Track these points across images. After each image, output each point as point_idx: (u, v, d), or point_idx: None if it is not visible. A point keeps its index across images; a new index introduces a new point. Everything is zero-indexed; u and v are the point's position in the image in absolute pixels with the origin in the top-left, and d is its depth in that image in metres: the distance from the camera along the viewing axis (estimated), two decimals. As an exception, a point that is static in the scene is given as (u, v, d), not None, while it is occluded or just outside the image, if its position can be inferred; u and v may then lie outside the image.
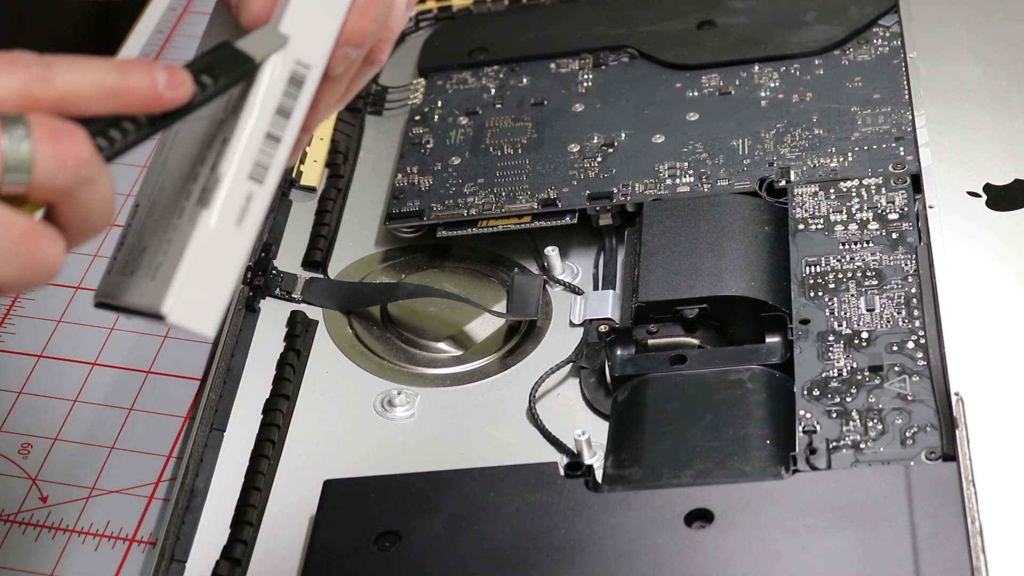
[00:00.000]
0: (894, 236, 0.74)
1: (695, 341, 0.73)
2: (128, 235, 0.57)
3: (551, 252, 0.80)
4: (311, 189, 0.86)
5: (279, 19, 0.55)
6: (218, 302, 0.53)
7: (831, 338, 0.70)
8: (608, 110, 0.85)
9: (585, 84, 0.87)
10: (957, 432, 0.63)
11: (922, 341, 0.69)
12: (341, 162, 0.87)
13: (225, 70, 0.53)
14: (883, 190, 0.76)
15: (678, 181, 0.80)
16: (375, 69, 0.62)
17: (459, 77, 0.90)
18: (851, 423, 0.66)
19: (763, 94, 0.84)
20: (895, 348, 0.69)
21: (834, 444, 0.65)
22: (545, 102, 0.87)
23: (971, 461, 0.62)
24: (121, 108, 0.51)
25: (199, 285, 0.52)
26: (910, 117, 0.80)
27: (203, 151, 0.55)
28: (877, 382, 0.67)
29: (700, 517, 0.63)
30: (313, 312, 0.79)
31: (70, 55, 0.51)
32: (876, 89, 0.82)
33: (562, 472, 0.66)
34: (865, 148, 0.79)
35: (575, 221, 0.79)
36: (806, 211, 0.76)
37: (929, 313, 0.69)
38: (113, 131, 0.51)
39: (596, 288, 0.79)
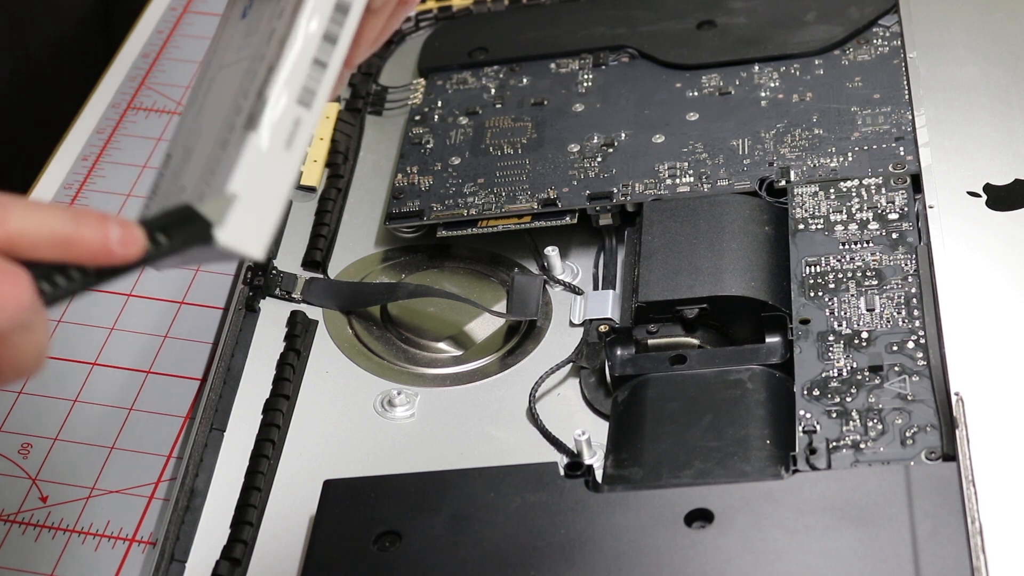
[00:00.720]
0: (894, 236, 0.74)
1: (695, 341, 0.73)
2: (161, 182, 0.57)
3: (551, 252, 0.80)
4: (311, 189, 0.86)
5: None
6: (267, 225, 0.53)
7: (831, 338, 0.70)
8: (608, 110, 0.85)
9: (585, 84, 0.87)
10: (957, 432, 0.63)
11: (922, 341, 0.69)
12: (341, 162, 0.87)
13: (182, 232, 0.53)
14: (883, 190, 0.76)
15: (678, 181, 0.80)
16: (409, 9, 0.63)
17: (459, 77, 0.90)
18: (851, 423, 0.66)
19: (763, 94, 0.84)
20: (895, 348, 0.69)
21: (834, 444, 0.65)
22: (545, 102, 0.87)
23: (971, 461, 0.62)
24: (70, 257, 0.51)
25: (250, 207, 0.52)
26: (910, 117, 0.80)
27: (245, 84, 0.56)
28: (877, 382, 0.67)
29: (700, 517, 0.63)
30: (313, 312, 0.79)
31: (26, 199, 0.51)
32: (876, 89, 0.82)
33: (562, 472, 0.66)
34: (865, 148, 0.79)
35: (575, 221, 0.79)
36: (806, 211, 0.76)
37: (929, 313, 0.70)
38: (59, 277, 0.51)
39: (596, 288, 0.79)
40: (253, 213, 0.53)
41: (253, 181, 0.53)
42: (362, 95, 0.91)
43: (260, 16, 0.59)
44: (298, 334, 0.78)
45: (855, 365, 0.68)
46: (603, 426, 0.72)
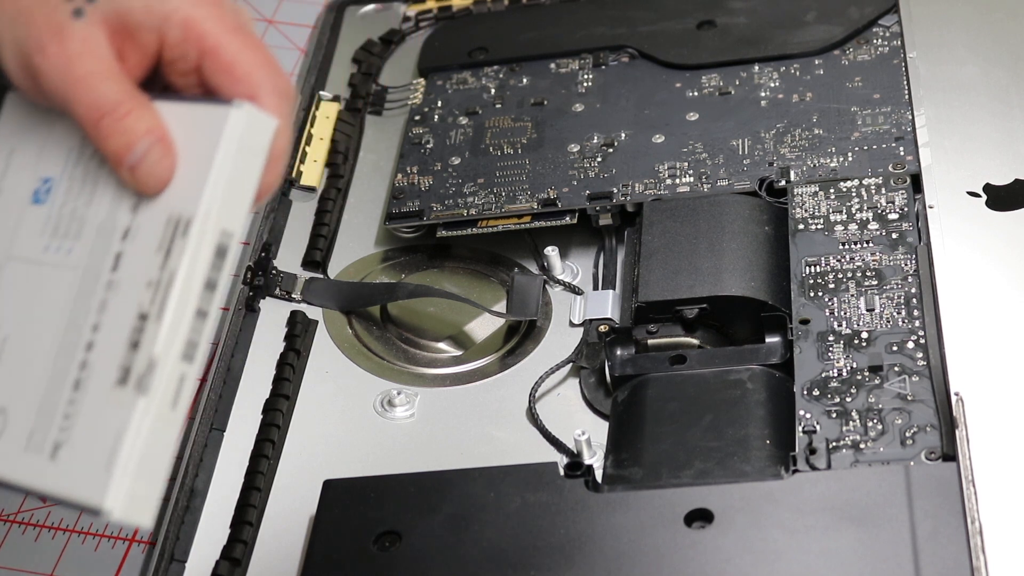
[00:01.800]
0: (894, 236, 0.74)
1: (695, 341, 0.73)
2: None
3: (551, 252, 0.80)
4: (311, 189, 0.86)
5: (198, 192, 0.52)
6: (156, 491, 0.51)
7: (831, 338, 0.70)
8: (608, 110, 0.85)
9: (585, 84, 0.87)
10: (957, 432, 0.63)
11: (922, 341, 0.69)
12: (341, 162, 0.87)
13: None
14: (883, 190, 0.76)
15: (678, 181, 0.80)
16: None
17: (459, 77, 0.90)
18: (851, 423, 0.66)
19: (763, 94, 0.84)
20: (895, 348, 0.69)
21: (834, 444, 0.65)
22: (545, 102, 0.87)
23: (971, 461, 0.62)
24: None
25: (140, 477, 0.50)
26: (910, 117, 0.80)
27: (88, 315, 0.52)
28: (877, 382, 0.67)
29: (700, 517, 0.63)
30: (313, 312, 0.79)
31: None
32: (876, 89, 0.82)
33: (562, 472, 0.66)
34: (865, 148, 0.79)
35: (575, 221, 0.79)
36: (806, 211, 0.76)
37: (929, 313, 0.69)
38: None
39: (596, 288, 0.79)
40: (143, 482, 0.50)
41: (143, 449, 0.50)
42: (362, 95, 0.91)
43: (71, 214, 0.55)
44: (298, 334, 0.78)
45: (855, 365, 0.68)
46: (603, 426, 0.72)
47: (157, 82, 0.55)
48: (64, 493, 0.51)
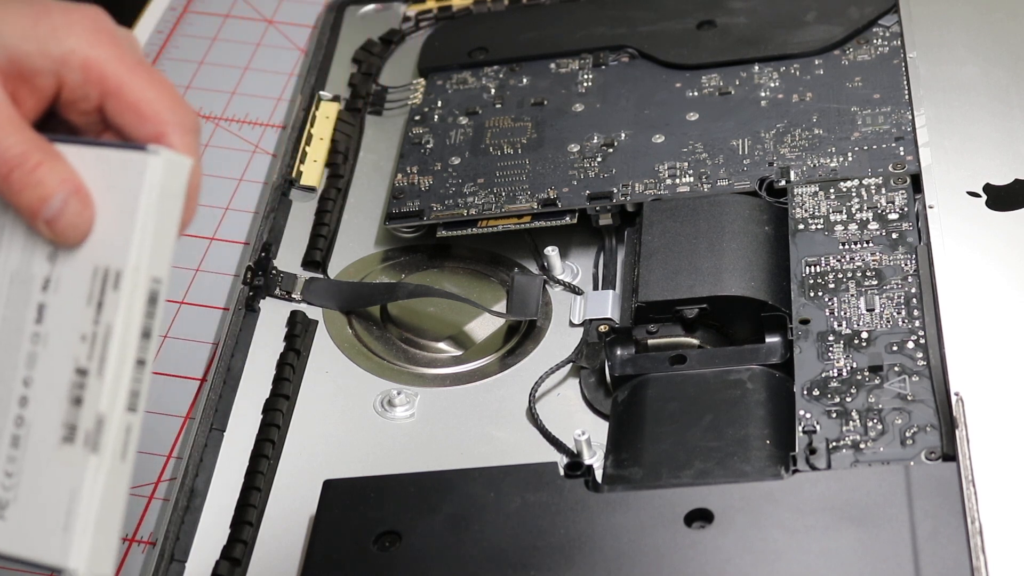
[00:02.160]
0: (894, 236, 0.74)
1: (695, 341, 0.73)
2: None
3: (551, 252, 0.80)
4: (311, 189, 0.86)
5: (125, 243, 0.51)
6: (114, 542, 0.51)
7: (831, 338, 0.70)
8: (608, 110, 0.85)
9: (585, 84, 0.87)
10: (957, 432, 0.63)
11: (922, 341, 0.69)
12: (341, 162, 0.87)
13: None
14: (883, 190, 0.76)
15: (678, 181, 0.80)
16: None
17: (459, 77, 0.90)
18: (851, 423, 0.66)
19: (763, 94, 0.84)
20: (895, 348, 0.69)
21: (834, 444, 0.65)
22: (545, 102, 0.87)
23: (971, 461, 0.62)
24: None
25: (99, 532, 0.50)
26: (910, 117, 0.80)
27: (16, 368, 0.52)
28: (877, 382, 0.67)
29: (700, 517, 0.63)
30: (313, 312, 0.79)
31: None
32: (876, 89, 0.82)
33: (562, 472, 0.66)
34: (865, 148, 0.79)
35: (575, 221, 0.79)
36: (806, 211, 0.76)
37: (929, 313, 0.69)
38: None
39: (596, 288, 0.79)
40: (102, 535, 0.50)
41: (99, 505, 0.50)
42: (362, 95, 0.91)
43: None
44: (298, 334, 0.78)
45: (855, 365, 0.68)
46: (603, 426, 0.72)
47: (52, 120, 0.54)
48: (19, 553, 0.51)
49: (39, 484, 0.51)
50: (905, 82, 0.82)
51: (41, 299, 0.52)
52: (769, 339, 0.72)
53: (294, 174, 0.85)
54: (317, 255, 0.82)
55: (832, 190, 0.77)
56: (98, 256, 0.52)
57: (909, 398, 0.66)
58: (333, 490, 0.68)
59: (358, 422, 0.74)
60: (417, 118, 0.88)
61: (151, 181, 0.51)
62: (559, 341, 0.77)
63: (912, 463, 0.64)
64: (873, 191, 0.76)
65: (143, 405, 0.52)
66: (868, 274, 0.72)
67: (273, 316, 0.79)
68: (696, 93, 0.85)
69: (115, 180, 0.52)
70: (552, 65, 0.89)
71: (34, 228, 0.52)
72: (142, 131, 0.52)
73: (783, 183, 0.78)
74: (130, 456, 0.51)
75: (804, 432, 0.66)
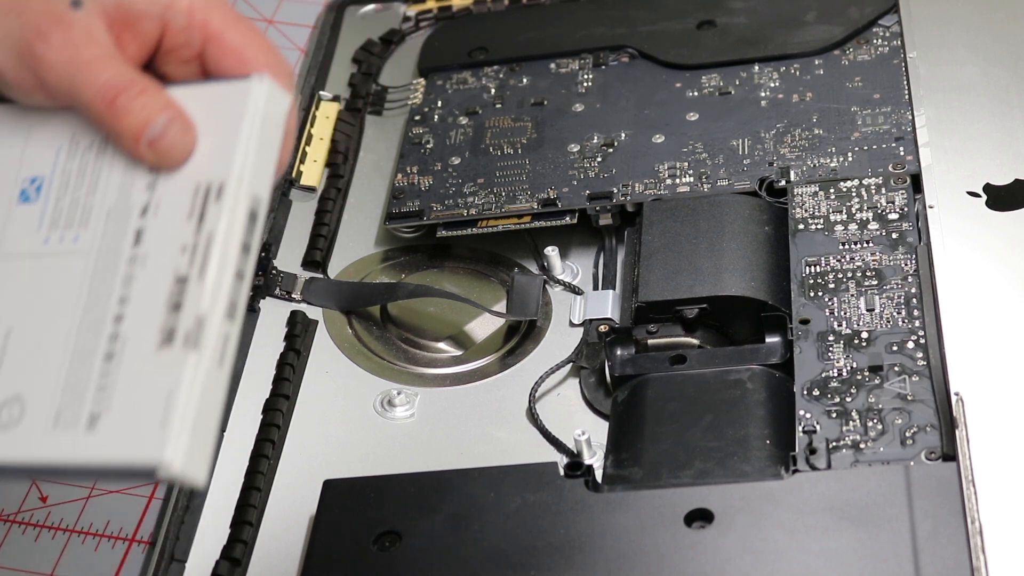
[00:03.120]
0: (894, 236, 0.74)
1: (695, 341, 0.73)
2: None
3: (551, 252, 0.80)
4: (311, 189, 0.86)
5: (228, 158, 0.53)
6: (209, 450, 0.50)
7: (831, 338, 0.70)
8: (608, 110, 0.85)
9: (585, 84, 0.87)
10: (957, 432, 0.63)
11: (922, 341, 0.69)
12: (341, 162, 0.87)
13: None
14: (883, 190, 0.76)
15: (678, 181, 0.80)
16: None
17: (459, 77, 0.90)
18: (851, 423, 0.66)
19: (763, 94, 0.84)
20: (895, 348, 0.69)
21: (834, 444, 0.65)
22: (545, 102, 0.87)
23: (971, 461, 0.62)
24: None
25: (195, 434, 0.50)
26: (910, 117, 0.80)
27: (111, 292, 0.52)
28: (877, 382, 0.67)
29: (700, 517, 0.63)
30: (313, 312, 0.79)
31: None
32: (876, 89, 0.82)
33: (562, 472, 0.66)
34: (865, 148, 0.79)
35: (575, 221, 0.79)
36: (806, 211, 0.76)
37: (929, 313, 0.69)
38: None
39: (596, 288, 0.79)
40: (199, 438, 0.50)
41: (197, 405, 0.50)
42: (362, 95, 0.91)
43: (72, 204, 0.55)
44: (298, 334, 0.78)
45: (855, 365, 0.68)
46: (603, 426, 0.72)
47: (151, 74, 0.55)
48: (109, 460, 0.50)
49: (134, 390, 0.51)
50: (905, 82, 0.82)
51: (139, 225, 0.53)
52: (769, 339, 0.72)
53: (294, 174, 0.85)
54: (317, 255, 0.82)
55: (832, 190, 0.77)
56: (200, 174, 0.53)
57: (909, 398, 0.66)
58: (333, 490, 0.68)
59: (358, 422, 0.74)
60: (417, 118, 0.88)
61: (255, 105, 0.53)
62: (559, 341, 0.77)
63: (912, 463, 0.64)
64: (873, 191, 0.76)
65: (241, 317, 0.52)
66: (868, 274, 0.72)
67: (273, 316, 0.79)
68: (696, 93, 0.85)
69: (219, 108, 0.53)
70: (552, 65, 0.89)
71: (135, 154, 0.53)
72: (244, 73, 0.54)
73: (783, 183, 0.78)
74: (227, 364, 0.51)
75: (804, 432, 0.66)
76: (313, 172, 0.86)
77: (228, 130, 0.53)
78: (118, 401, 0.50)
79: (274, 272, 0.81)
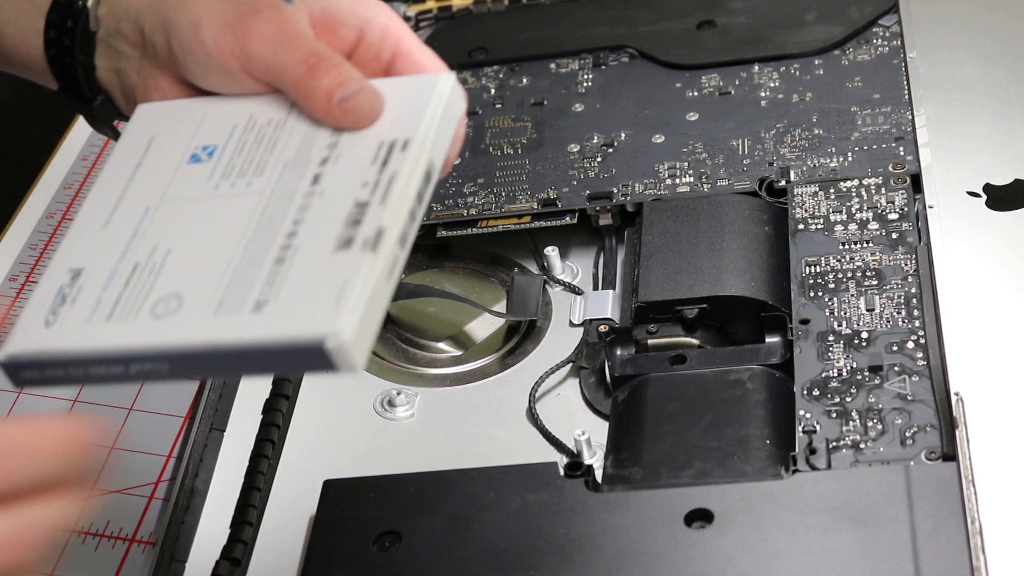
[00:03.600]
0: (894, 236, 0.74)
1: (695, 341, 0.73)
2: (123, 287, 0.54)
3: (551, 252, 0.80)
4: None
5: (415, 121, 0.57)
6: (370, 345, 0.52)
7: (831, 338, 0.70)
8: (608, 110, 0.85)
9: (585, 84, 0.87)
10: (957, 432, 0.63)
11: (922, 341, 0.69)
12: (341, 162, 0.87)
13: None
14: (883, 190, 0.76)
15: (678, 181, 0.80)
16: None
17: (459, 77, 0.89)
18: (851, 423, 0.66)
19: (763, 94, 0.84)
20: (895, 348, 0.69)
21: (834, 444, 0.65)
22: (545, 102, 0.87)
23: (971, 461, 0.62)
24: None
25: (364, 321, 0.51)
26: (910, 117, 0.80)
27: (284, 215, 0.55)
28: (877, 382, 0.67)
29: (700, 517, 0.63)
30: (313, 312, 0.79)
31: None
32: (876, 89, 0.82)
33: (562, 472, 0.66)
34: (865, 148, 0.79)
35: (575, 221, 0.79)
36: (806, 211, 0.76)
37: (929, 313, 0.69)
38: None
39: (596, 288, 0.79)
40: (364, 330, 0.51)
41: (368, 299, 0.51)
42: (362, 95, 0.91)
43: (247, 160, 0.58)
44: (298, 334, 0.77)
45: (855, 365, 0.68)
46: (603, 426, 0.72)
47: None
48: (276, 336, 0.51)
49: (305, 282, 0.52)
50: (905, 82, 0.82)
51: (318, 171, 0.57)
52: (769, 339, 0.72)
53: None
54: (317, 255, 0.82)
55: (832, 190, 0.77)
56: (386, 133, 0.57)
57: (909, 398, 0.66)
58: (333, 490, 0.68)
59: (358, 422, 0.74)
60: (417, 118, 0.88)
61: (441, 91, 0.59)
62: (559, 341, 0.77)
63: (912, 463, 0.64)
64: (873, 191, 0.76)
65: (408, 250, 0.55)
66: (868, 274, 0.72)
67: (273, 316, 0.79)
68: (696, 93, 0.85)
69: (407, 90, 0.59)
70: (552, 65, 0.89)
71: (326, 112, 0.58)
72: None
73: (783, 183, 0.78)
74: (393, 282, 0.53)
75: (804, 432, 0.66)
76: (313, 172, 0.86)
77: (415, 105, 0.58)
78: (287, 291, 0.52)
79: (274, 272, 0.81)
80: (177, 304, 0.53)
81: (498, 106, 0.87)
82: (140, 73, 0.63)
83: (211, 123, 0.60)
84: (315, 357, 0.50)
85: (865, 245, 0.74)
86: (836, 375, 0.68)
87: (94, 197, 0.58)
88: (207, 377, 0.53)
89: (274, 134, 0.59)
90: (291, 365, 0.52)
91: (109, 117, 0.66)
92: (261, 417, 0.74)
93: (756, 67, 0.86)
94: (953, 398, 0.65)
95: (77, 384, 0.57)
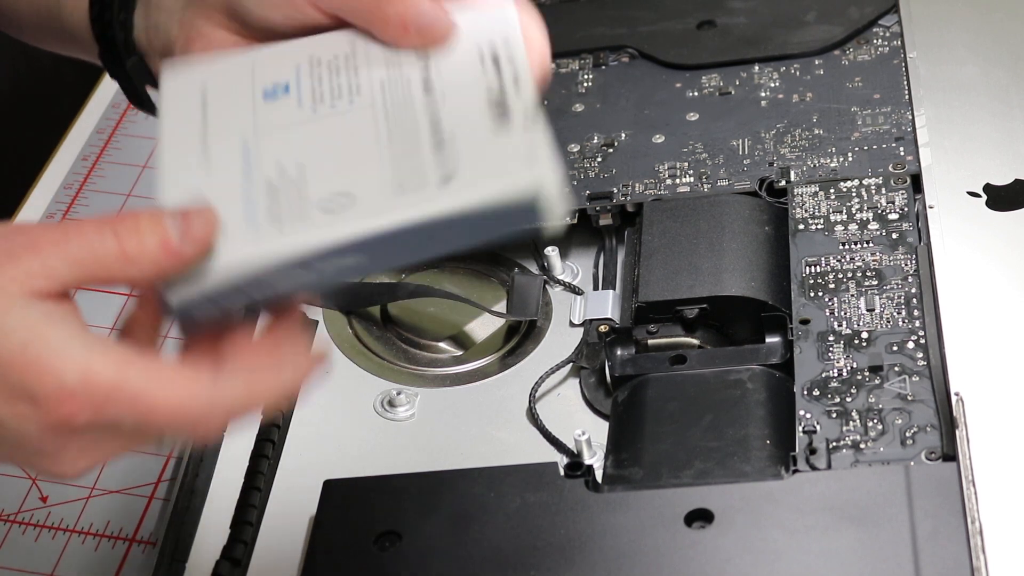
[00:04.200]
0: (894, 236, 0.74)
1: (695, 341, 0.73)
2: (278, 200, 0.52)
3: (551, 252, 0.80)
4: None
5: (503, 23, 0.56)
6: (562, 206, 0.51)
7: (831, 338, 0.70)
8: (608, 110, 0.85)
9: (585, 84, 0.87)
10: (957, 432, 0.63)
11: (922, 341, 0.69)
12: (341, 162, 0.87)
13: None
14: (883, 190, 0.76)
15: (678, 181, 0.80)
16: None
17: (459, 77, 0.90)
18: (851, 423, 0.66)
19: (763, 94, 0.84)
20: (895, 348, 0.69)
21: (834, 444, 0.65)
22: (545, 102, 0.87)
23: (971, 461, 0.62)
24: (131, 278, 0.54)
25: (556, 176, 0.51)
26: (910, 117, 0.80)
27: (415, 116, 0.54)
28: (877, 382, 0.67)
29: (700, 517, 0.63)
30: (313, 312, 0.79)
31: (40, 231, 0.51)
32: (876, 89, 0.82)
33: (562, 472, 0.66)
34: (865, 148, 0.79)
35: (575, 221, 0.79)
36: (806, 211, 0.76)
37: (929, 313, 0.70)
38: None
39: (596, 288, 0.79)
40: (554, 177, 0.51)
41: (552, 161, 0.51)
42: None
43: (334, 86, 0.57)
44: (298, 334, 0.77)
45: (855, 365, 0.68)
46: (603, 426, 0.72)
47: None
48: (479, 200, 0.50)
49: (485, 153, 0.52)
50: (905, 82, 0.82)
51: (425, 80, 0.55)
52: (769, 339, 0.72)
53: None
54: (317, 255, 0.82)
55: (832, 190, 0.77)
56: (481, 39, 0.56)
57: (909, 398, 0.66)
58: (333, 490, 0.68)
59: (358, 422, 0.74)
60: (417, 118, 0.88)
61: (512, 14, 0.57)
62: (559, 341, 0.77)
63: (912, 463, 0.64)
64: (873, 191, 0.76)
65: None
66: (868, 274, 0.72)
67: (273, 316, 0.79)
68: (696, 93, 0.85)
69: (475, 8, 0.57)
70: (552, 65, 0.89)
71: (401, 38, 0.57)
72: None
73: (783, 183, 0.78)
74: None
75: (804, 432, 0.66)
76: (313, 172, 0.86)
77: (493, 14, 0.57)
78: (469, 164, 0.51)
79: (274, 272, 0.81)
80: (349, 200, 0.51)
81: (498, 106, 0.87)
82: (182, 24, 0.61)
83: (267, 67, 0.58)
84: (524, 211, 0.50)
85: (865, 245, 0.74)
86: (836, 375, 0.68)
87: (169, 151, 0.56)
88: (396, 264, 0.51)
89: (348, 64, 0.57)
90: (494, 227, 0.51)
91: (141, 80, 0.65)
92: (261, 417, 0.74)
93: (756, 67, 0.86)
94: (953, 398, 0.65)
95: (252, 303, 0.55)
